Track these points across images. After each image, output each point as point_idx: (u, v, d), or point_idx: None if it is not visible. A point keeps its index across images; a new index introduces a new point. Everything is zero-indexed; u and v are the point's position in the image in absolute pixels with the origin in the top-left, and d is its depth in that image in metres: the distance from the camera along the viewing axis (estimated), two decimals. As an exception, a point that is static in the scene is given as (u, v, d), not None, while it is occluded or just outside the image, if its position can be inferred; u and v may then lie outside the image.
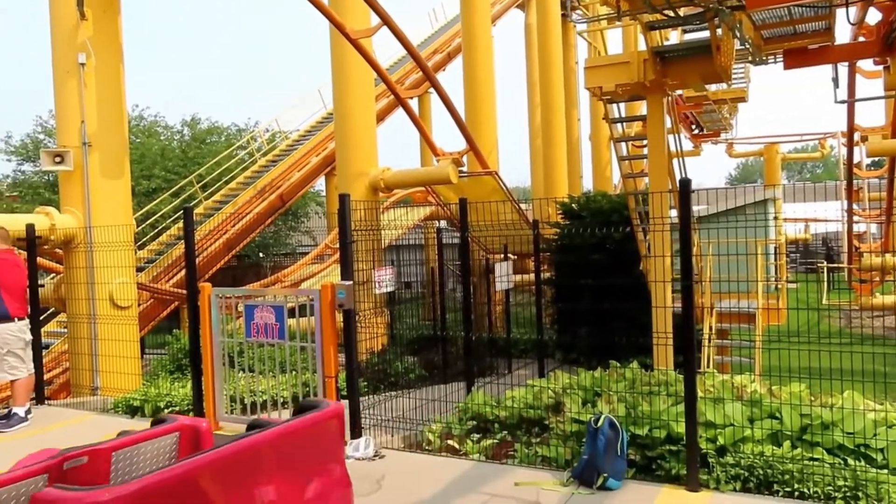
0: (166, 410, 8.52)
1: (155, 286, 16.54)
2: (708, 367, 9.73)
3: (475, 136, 13.83)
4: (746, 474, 5.07)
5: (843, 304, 17.51)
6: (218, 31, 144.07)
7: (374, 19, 11.43)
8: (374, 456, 6.35)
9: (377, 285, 7.97)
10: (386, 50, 23.54)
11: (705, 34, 8.53)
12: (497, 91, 17.43)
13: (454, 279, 14.71)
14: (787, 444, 5.24)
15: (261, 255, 29.30)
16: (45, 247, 11.18)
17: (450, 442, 6.50)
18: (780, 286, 11.89)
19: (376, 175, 12.75)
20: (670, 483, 5.26)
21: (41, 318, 12.23)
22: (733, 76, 16.76)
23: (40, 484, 2.63)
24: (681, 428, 5.29)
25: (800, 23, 8.26)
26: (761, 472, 5.03)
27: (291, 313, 8.38)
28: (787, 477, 4.95)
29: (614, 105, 10.06)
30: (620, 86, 8.92)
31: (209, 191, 22.07)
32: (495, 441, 6.40)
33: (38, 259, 10.80)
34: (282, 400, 8.27)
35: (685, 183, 5.11)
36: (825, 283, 18.92)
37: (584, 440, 5.43)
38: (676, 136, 10.21)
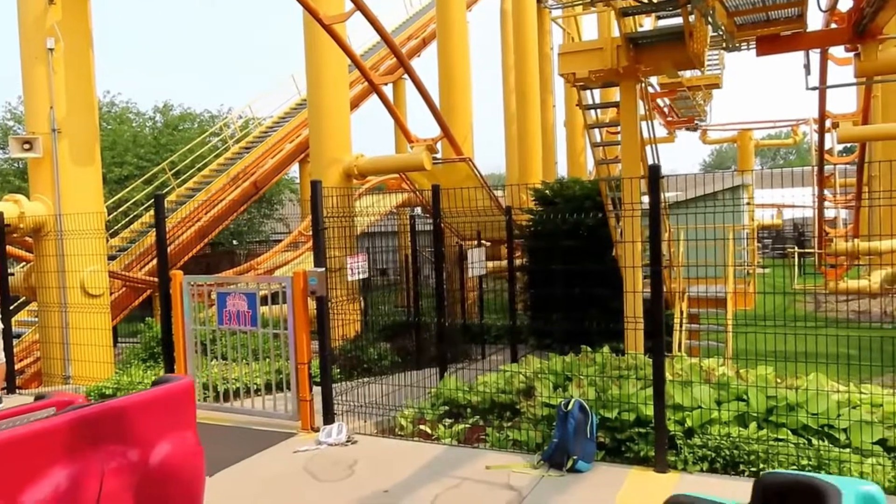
0: (137, 399, 8.41)
1: (127, 274, 16.32)
2: (679, 351, 9.85)
3: (450, 122, 13.79)
4: (713, 455, 5.16)
5: (812, 288, 17.83)
6: (190, 16, 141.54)
7: (348, 4, 11.30)
8: (347, 441, 6.35)
9: (350, 272, 7.93)
10: (360, 35, 23.41)
11: (678, 21, 8.54)
12: (472, 77, 17.36)
13: (428, 266, 14.71)
14: (753, 425, 5.33)
15: (234, 242, 29.04)
16: (15, 235, 10.98)
17: (422, 427, 6.53)
18: (750, 271, 12.06)
19: (350, 162, 12.67)
20: (639, 465, 5.34)
21: (11, 307, 12.04)
22: (707, 63, 16.88)
23: None
24: (650, 411, 5.36)
25: (772, 9, 8.31)
26: (728, 452, 5.12)
27: (265, 301, 8.33)
28: (752, 457, 5.05)
29: (588, 91, 10.06)
30: (594, 72, 8.91)
31: (182, 178, 21.77)
32: (467, 426, 6.44)
33: (8, 247, 10.59)
34: (255, 387, 8.23)
35: (654, 169, 5.15)
36: (796, 268, 19.22)
37: (554, 424, 5.48)
38: (650, 122, 10.25)
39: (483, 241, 13.21)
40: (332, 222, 7.56)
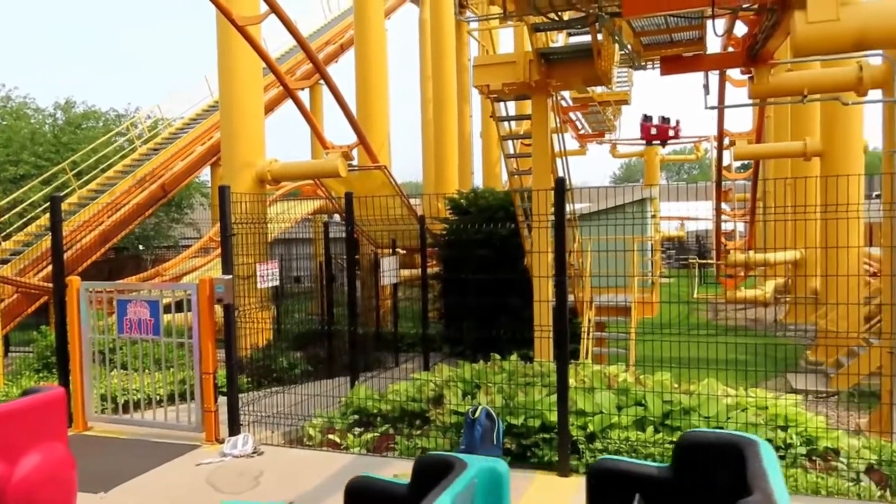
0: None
1: (19, 279, 15.36)
2: (585, 358, 10.15)
3: (366, 129, 13.74)
4: (614, 459, 5.34)
5: (711, 297, 18.79)
6: (97, 12, 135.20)
7: (264, 6, 11.09)
8: (253, 452, 6.20)
9: (261, 280, 7.76)
10: (277, 38, 22.96)
11: (588, 38, 8.86)
12: (390, 85, 17.38)
13: (343, 273, 14.58)
14: (650, 429, 5.56)
15: (140, 247, 27.84)
16: None
17: (331, 436, 6.45)
18: (653, 281, 12.58)
19: (263, 167, 12.41)
20: (543, 469, 5.46)
21: None
22: (617, 80, 17.57)
23: None
24: (554, 417, 5.50)
25: (675, 31, 8.73)
26: (627, 455, 5.31)
27: (171, 308, 8.03)
28: (649, 460, 5.25)
29: (502, 104, 10.27)
30: (507, 85, 9.11)
31: (84, 179, 20.70)
32: (377, 434, 6.41)
33: None
34: (157, 398, 7.92)
35: (560, 182, 5.30)
36: (696, 278, 20.21)
37: (462, 431, 5.53)
38: (561, 135, 10.56)
39: (398, 250, 13.22)
40: (243, 228, 7.38)
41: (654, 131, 21.00)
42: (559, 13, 7.73)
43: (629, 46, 9.17)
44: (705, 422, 5.56)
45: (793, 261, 16.50)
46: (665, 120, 21.07)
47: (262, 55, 11.28)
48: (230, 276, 6.65)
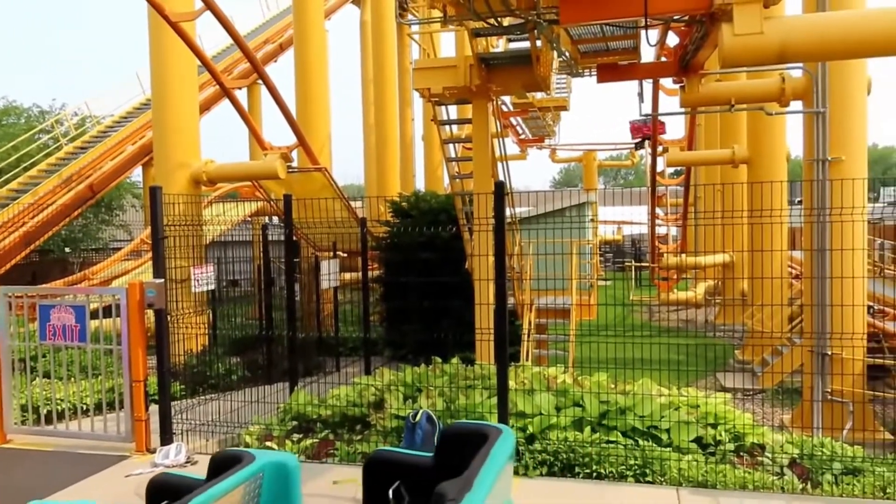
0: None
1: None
2: (527, 360, 10.27)
3: (306, 131, 13.56)
4: (552, 459, 5.42)
5: (647, 299, 19.30)
6: (20, 4, 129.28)
7: (199, 2, 10.82)
8: (186, 462, 6.03)
9: (196, 283, 7.56)
10: (213, 35, 22.47)
11: (527, 44, 8.98)
12: (332, 86, 17.20)
13: (282, 277, 14.35)
14: (588, 429, 5.66)
15: (67, 250, 26.69)
16: None
17: (269, 444, 6.32)
18: (592, 283, 12.83)
19: (198, 167, 12.10)
20: (484, 472, 5.48)
21: None
22: (556, 86, 17.91)
23: None
24: (495, 419, 5.53)
25: (611, 40, 8.93)
26: (565, 456, 5.40)
27: (100, 314, 7.71)
28: (587, 459, 5.35)
29: (443, 107, 10.31)
30: (448, 88, 9.15)
31: (4, 178, 19.73)
32: (316, 441, 6.32)
33: None
34: (84, 407, 7.61)
35: (499, 186, 5.35)
36: (633, 281, 20.73)
37: (403, 435, 5.51)
38: (502, 140, 10.66)
39: (339, 253, 13.08)
40: (177, 231, 7.17)
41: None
42: (499, 19, 7.80)
43: (567, 53, 9.34)
44: (640, 421, 5.70)
45: (723, 264, 17.12)
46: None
47: (197, 52, 11.01)
48: (162, 280, 6.45)
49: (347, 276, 14.08)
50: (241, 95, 23.54)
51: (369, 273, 11.49)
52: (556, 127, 24.81)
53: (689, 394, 6.21)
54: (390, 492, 3.00)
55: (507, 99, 18.40)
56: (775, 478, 5.18)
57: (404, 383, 6.71)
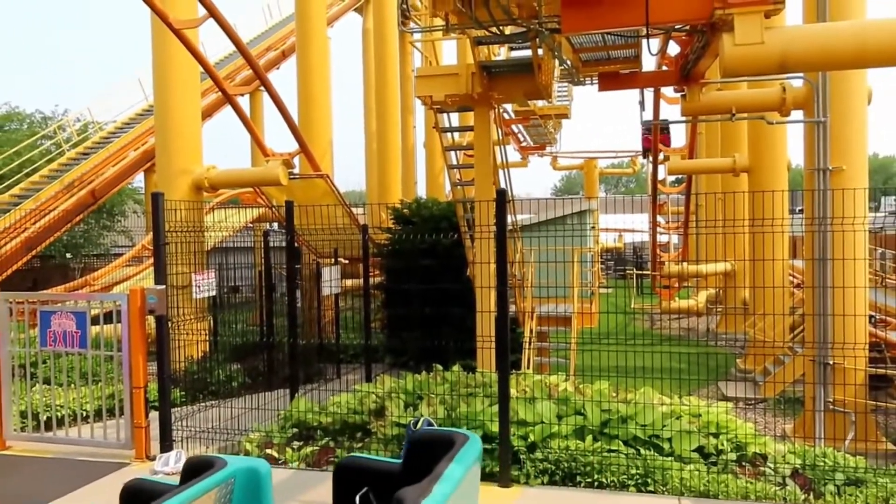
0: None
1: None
2: (527, 368, 10.25)
3: (308, 137, 13.57)
4: (553, 468, 5.40)
5: (648, 307, 19.29)
6: (25, 10, 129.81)
7: (202, 9, 10.85)
8: (186, 470, 5.99)
9: (197, 290, 7.56)
10: (216, 42, 22.53)
11: (529, 53, 9.01)
12: (333, 93, 17.26)
13: (283, 283, 14.35)
14: (589, 438, 5.64)
15: (68, 255, 26.72)
16: None
17: (269, 451, 6.31)
18: (593, 291, 12.82)
19: (200, 174, 12.11)
20: (485, 480, 5.43)
21: None
22: (557, 94, 17.94)
23: None
24: (496, 427, 5.52)
25: (612, 49, 8.97)
26: (566, 465, 5.38)
27: (101, 320, 7.72)
28: (588, 468, 5.33)
29: (445, 115, 10.33)
30: (450, 96, 9.16)
31: (6, 184, 19.76)
32: (317, 448, 6.30)
33: None
34: (84, 414, 7.59)
35: (501, 193, 5.35)
36: (634, 289, 20.72)
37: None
38: (503, 147, 10.67)
39: (340, 259, 13.08)
40: (178, 237, 7.17)
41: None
42: (501, 27, 7.82)
43: (569, 62, 9.37)
44: (642, 430, 5.68)
45: (724, 272, 17.10)
46: (664, 130, 21.04)
47: (200, 59, 11.02)
48: (163, 287, 6.45)
49: (349, 282, 14.08)
50: (244, 102, 23.61)
51: (371, 280, 11.48)
52: (557, 135, 24.82)
53: (691, 403, 6.19)
54: (357, 498, 3.04)
55: (508, 107, 18.42)
56: (777, 488, 5.16)
57: (405, 391, 6.69)
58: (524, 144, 25.94)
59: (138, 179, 23.97)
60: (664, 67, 13.39)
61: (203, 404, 8.10)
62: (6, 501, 5.18)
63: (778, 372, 11.56)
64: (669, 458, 5.42)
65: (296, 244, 9.16)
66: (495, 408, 5.65)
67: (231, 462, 2.92)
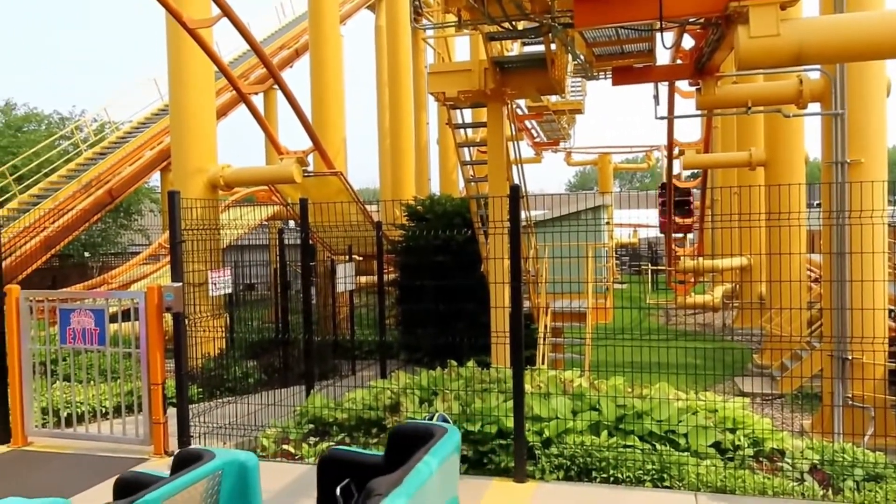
0: (-37, 427, 7.60)
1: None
2: (542, 363, 10.24)
3: (322, 135, 13.63)
4: (569, 463, 5.40)
5: (664, 302, 19.19)
6: (39, 11, 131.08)
7: (216, 8, 10.92)
8: (204, 466, 6.05)
9: (213, 287, 7.62)
10: (230, 41, 22.66)
11: (542, 48, 8.98)
12: (347, 90, 17.29)
13: (298, 280, 14.43)
14: (604, 433, 5.63)
15: (86, 254, 27.02)
16: None
17: (285, 447, 6.35)
18: (607, 287, 12.79)
19: (215, 172, 12.19)
20: (500, 476, 5.48)
21: None
22: (571, 89, 17.86)
23: None
24: (511, 423, 5.52)
25: (626, 43, 8.91)
26: (582, 460, 5.37)
27: (120, 317, 7.80)
28: (603, 464, 5.32)
29: (458, 111, 10.33)
30: (462, 92, 9.17)
31: (25, 184, 20.01)
32: (333, 444, 6.33)
33: None
34: (103, 410, 7.68)
35: (515, 189, 5.35)
36: (649, 284, 20.61)
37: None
38: (517, 143, 10.66)
39: (355, 256, 13.13)
40: (194, 235, 7.23)
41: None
42: (513, 23, 7.81)
43: (582, 56, 9.33)
44: (657, 425, 5.66)
45: (740, 267, 16.96)
46: (685, 205, 20.48)
47: (214, 59, 11.10)
48: (179, 284, 6.50)
49: (363, 279, 14.13)
50: (258, 101, 23.71)
51: (385, 276, 11.52)
52: (571, 130, 24.73)
53: (707, 398, 6.16)
54: (338, 489, 3.10)
55: (521, 102, 18.38)
56: (795, 484, 5.12)
57: (420, 386, 6.71)
58: (538, 140, 25.87)
59: (154, 178, 24.23)
60: (678, 61, 13.28)
61: (220, 400, 8.18)
62: (29, 496, 5.26)
63: (795, 367, 11.46)
64: (685, 454, 5.39)
65: (310, 241, 9.21)
66: (510, 403, 5.66)
67: (219, 455, 3.00)
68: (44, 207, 17.56)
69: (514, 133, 10.81)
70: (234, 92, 17.98)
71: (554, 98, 17.84)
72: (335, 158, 13.99)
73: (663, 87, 13.76)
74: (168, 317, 6.62)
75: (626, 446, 5.49)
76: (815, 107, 10.05)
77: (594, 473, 5.32)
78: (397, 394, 6.70)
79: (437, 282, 11.15)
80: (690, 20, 7.62)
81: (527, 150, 26.80)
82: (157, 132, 20.91)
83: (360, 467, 3.21)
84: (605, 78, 10.87)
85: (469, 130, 11.07)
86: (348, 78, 26.95)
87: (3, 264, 7.38)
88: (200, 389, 9.20)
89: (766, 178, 14.52)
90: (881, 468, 5.24)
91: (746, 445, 5.57)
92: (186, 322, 6.66)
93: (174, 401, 6.77)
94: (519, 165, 10.46)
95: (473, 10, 7.58)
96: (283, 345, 10.99)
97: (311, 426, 6.78)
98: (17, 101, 34.94)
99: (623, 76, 9.65)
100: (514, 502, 5.06)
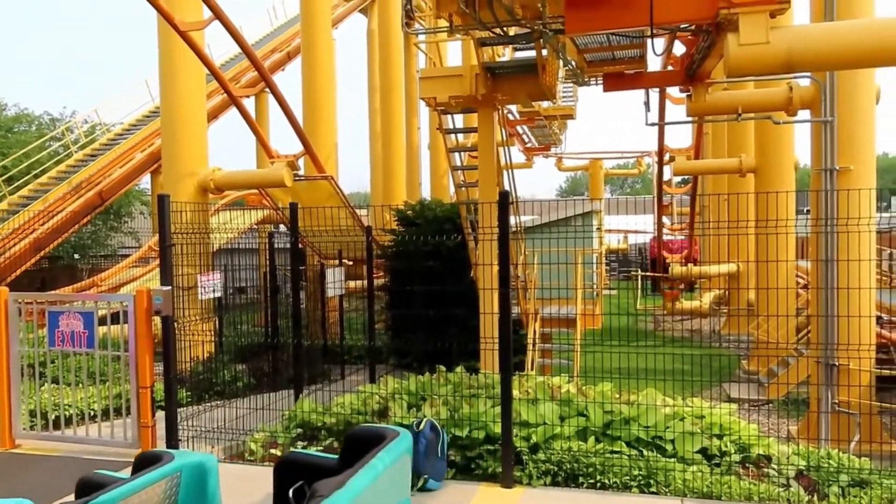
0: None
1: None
2: (531, 369, 10.25)
3: (313, 139, 13.63)
4: (556, 469, 5.41)
5: (653, 309, 19.25)
6: (32, 10, 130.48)
7: (207, 11, 10.91)
8: (191, 470, 6.03)
9: (202, 290, 7.60)
10: (221, 44, 22.62)
11: (533, 54, 9.01)
12: (338, 93, 17.30)
13: (288, 284, 14.40)
14: (592, 439, 5.65)
15: (76, 256, 26.87)
16: None
17: (273, 451, 6.34)
18: (597, 293, 12.82)
19: (206, 175, 12.16)
20: (487, 481, 5.49)
21: None
22: (562, 95, 17.93)
23: None
24: (499, 428, 5.53)
25: (617, 49, 8.95)
26: (569, 466, 5.39)
27: (109, 320, 7.77)
28: (591, 469, 5.34)
29: (449, 116, 10.34)
30: (454, 97, 9.18)
31: (15, 185, 19.89)
32: (321, 448, 6.32)
33: None
34: (91, 413, 7.64)
35: (504, 195, 5.37)
36: (639, 290, 20.67)
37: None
38: (507, 148, 10.68)
39: (345, 261, 13.11)
40: (184, 238, 7.21)
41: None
42: (504, 28, 7.84)
43: (573, 63, 9.36)
44: (644, 431, 5.68)
45: (729, 273, 17.05)
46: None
47: (206, 62, 11.09)
48: (169, 287, 6.48)
49: (353, 283, 14.11)
50: (249, 104, 23.67)
51: (375, 281, 11.51)
52: (562, 135, 24.81)
53: (695, 404, 6.19)
54: (291, 491, 3.18)
55: (513, 108, 18.45)
56: (781, 489, 5.15)
57: (408, 392, 6.71)
58: (529, 145, 25.93)
59: (145, 181, 24.13)
60: (669, 67, 13.36)
61: (209, 404, 8.14)
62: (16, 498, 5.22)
63: (783, 373, 11.53)
64: (672, 460, 5.42)
65: (300, 245, 9.20)
66: (498, 409, 5.67)
67: (178, 456, 3.07)
68: (33, 209, 17.46)
69: (504, 138, 10.83)
70: (225, 94, 17.97)
71: (545, 103, 17.92)
72: (326, 162, 13.99)
73: (654, 93, 13.87)
74: (157, 320, 6.59)
75: (613, 452, 5.50)
76: (804, 114, 10.13)
77: (581, 479, 5.34)
78: (386, 399, 6.70)
79: (427, 287, 11.16)
80: (681, 27, 7.66)
81: (518, 155, 26.88)
82: (147, 134, 20.83)
83: (315, 470, 3.28)
84: (597, 84, 10.91)
85: (460, 135, 11.09)
86: (340, 81, 26.93)
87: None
88: (189, 393, 9.17)
89: (757, 184, 14.62)
90: (866, 474, 5.28)
91: (733, 451, 5.60)
92: (175, 326, 6.64)
93: (163, 404, 6.75)
94: (510, 170, 10.48)
95: (465, 15, 7.59)
96: (273, 349, 10.96)
97: (300, 430, 6.76)
98: (7, 101, 34.69)
99: (614, 82, 9.70)
100: (502, 507, 5.07)
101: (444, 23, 8.70)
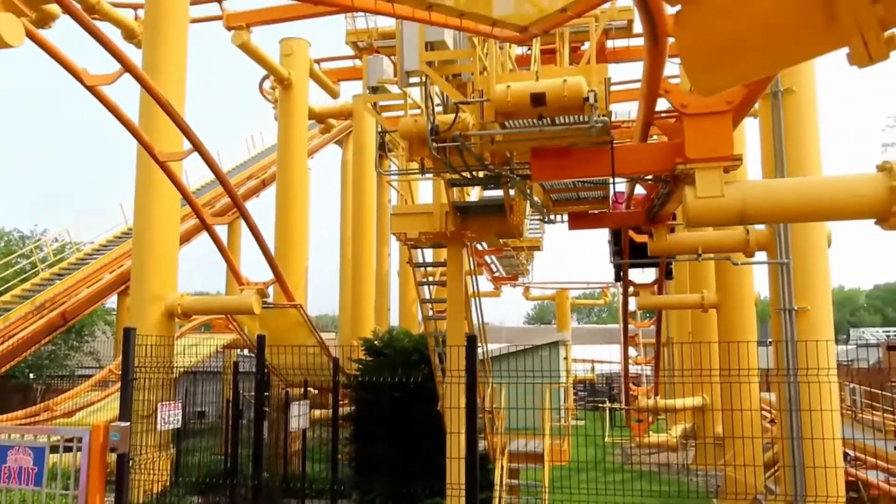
0: None
1: None
2: (499, 508, 9.92)
3: (285, 265, 13.77)
4: None
5: (622, 441, 18.97)
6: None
7: (187, 142, 11.29)
8: None
9: (162, 422, 7.40)
10: (197, 170, 23.13)
11: (501, 193, 9.40)
12: (311, 218, 17.63)
13: (251, 410, 13.99)
14: None
15: (31, 376, 25.85)
16: None
17: None
18: (565, 430, 12.67)
19: (174, 300, 12.09)
20: None
21: None
22: (529, 227, 18.53)
23: None
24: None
25: (582, 191, 9.37)
26: None
27: (59, 448, 7.42)
28: None
29: (419, 249, 10.57)
30: (424, 234, 9.41)
31: (-24, 302, 19.44)
32: None
33: None
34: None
35: (472, 339, 5.45)
36: (607, 422, 20.46)
37: None
38: (475, 277, 10.86)
39: (310, 389, 12.87)
40: (147, 373, 7.09)
41: None
42: (474, 172, 8.21)
43: (539, 202, 9.78)
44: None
45: (694, 407, 17.02)
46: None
47: (183, 191, 11.36)
48: (127, 424, 6.30)
49: (318, 412, 13.76)
50: (222, 230, 23.96)
51: (340, 410, 11.27)
52: (529, 265, 25.38)
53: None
54: None
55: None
56: None
57: (371, 537, 6.44)
58: (497, 275, 26.42)
59: (111, 300, 23.76)
60: (632, 207, 13.94)
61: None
62: None
63: (754, 515, 11.30)
64: None
65: (266, 372, 9.06)
66: (464, 559, 5.46)
67: None
68: (-7, 328, 17.01)
69: (473, 268, 11.06)
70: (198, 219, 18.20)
71: (514, 235, 18.47)
72: (296, 289, 14.06)
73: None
74: (112, 455, 6.34)
75: None
76: (762, 255, 10.53)
77: None
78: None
79: (394, 418, 10.93)
80: (642, 177, 8.10)
81: (486, 283, 27.30)
82: (118, 255, 20.80)
83: None
84: (562, 221, 11.33)
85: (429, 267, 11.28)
86: (313, 202, 27.50)
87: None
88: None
89: (719, 318, 14.93)
90: None
91: None
92: (130, 464, 6.39)
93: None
94: (477, 299, 10.61)
95: (436, 160, 7.97)
96: (232, 483, 10.49)
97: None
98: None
99: (579, 221, 10.08)
100: None
101: (415, 165, 9.12)
